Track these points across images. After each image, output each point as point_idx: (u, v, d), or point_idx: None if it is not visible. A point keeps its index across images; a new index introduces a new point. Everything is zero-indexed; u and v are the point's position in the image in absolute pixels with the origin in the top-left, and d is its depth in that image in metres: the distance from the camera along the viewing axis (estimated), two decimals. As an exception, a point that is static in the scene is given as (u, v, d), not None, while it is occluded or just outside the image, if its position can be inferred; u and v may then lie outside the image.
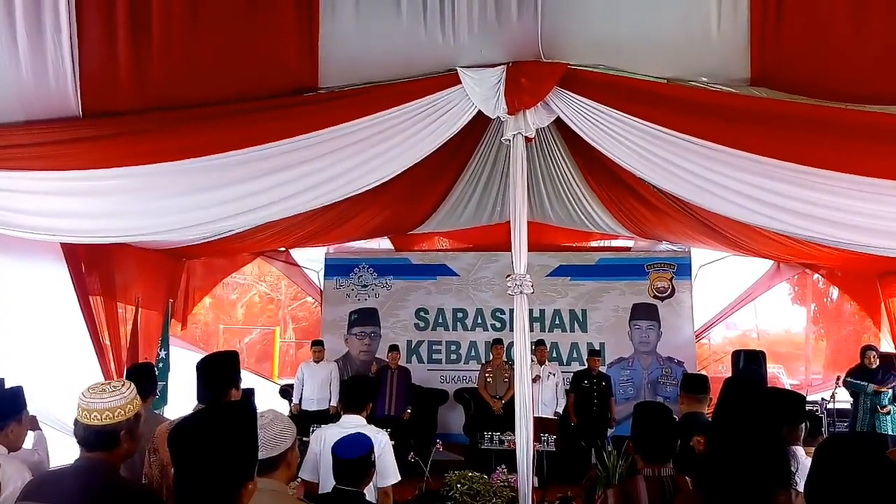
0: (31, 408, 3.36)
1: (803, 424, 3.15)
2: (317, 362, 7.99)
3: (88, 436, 2.02)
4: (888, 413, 6.48)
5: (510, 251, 4.15)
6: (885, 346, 7.54)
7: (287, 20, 3.64)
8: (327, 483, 2.92)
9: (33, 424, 3.45)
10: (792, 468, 2.71)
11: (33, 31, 3.47)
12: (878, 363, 6.63)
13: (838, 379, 7.06)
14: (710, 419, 3.58)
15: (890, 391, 6.57)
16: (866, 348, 6.81)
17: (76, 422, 2.04)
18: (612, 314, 9.09)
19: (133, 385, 2.15)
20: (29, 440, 3.42)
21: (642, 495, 2.41)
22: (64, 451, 2.66)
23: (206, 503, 1.61)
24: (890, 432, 6.47)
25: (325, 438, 3.22)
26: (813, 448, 1.72)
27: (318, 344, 8.19)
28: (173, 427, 1.74)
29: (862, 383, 6.69)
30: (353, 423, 3.29)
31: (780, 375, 11.50)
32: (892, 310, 7.33)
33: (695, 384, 3.70)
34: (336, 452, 2.59)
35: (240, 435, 1.68)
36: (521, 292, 4.03)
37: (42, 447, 3.48)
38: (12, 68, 3.53)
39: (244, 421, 1.73)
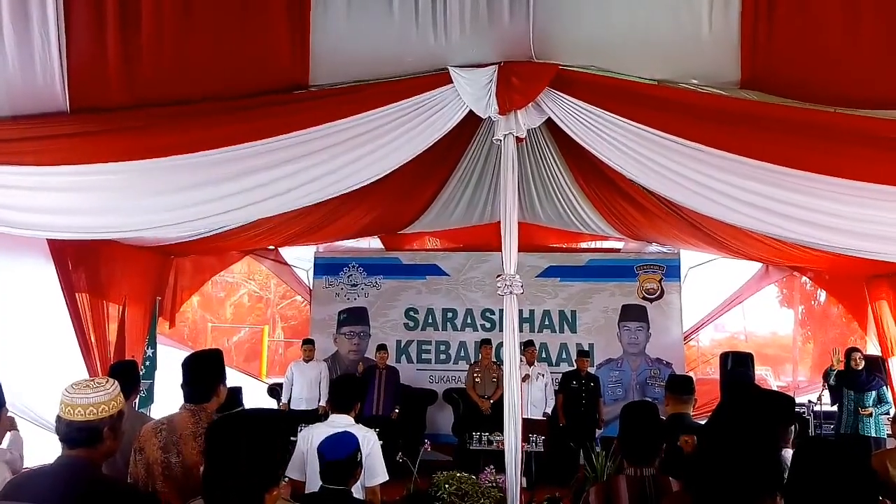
0: (17, 406, 3.32)
1: (792, 427, 3.17)
2: (306, 361, 7.96)
3: (70, 432, 2.00)
4: (870, 415, 6.52)
5: (500, 251, 4.15)
6: (872, 348, 7.60)
7: (278, 17, 3.62)
8: (314, 482, 2.90)
9: (11, 425, 3.41)
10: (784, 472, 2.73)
11: (20, 25, 3.43)
12: (863, 364, 6.68)
13: (825, 376, 7.05)
14: (695, 420, 3.60)
15: (874, 393, 6.61)
16: (852, 350, 6.86)
17: (58, 418, 2.02)
18: (601, 315, 9.11)
19: (117, 382, 2.13)
20: (4, 440, 3.38)
21: (622, 494, 2.45)
22: (49, 450, 2.63)
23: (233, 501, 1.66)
24: (872, 434, 6.51)
25: (312, 438, 3.21)
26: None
27: (308, 343, 8.16)
28: (214, 423, 1.81)
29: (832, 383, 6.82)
30: (341, 423, 3.27)
31: (767, 377, 11.58)
32: (878, 313, 7.38)
33: (680, 385, 3.70)
34: (322, 452, 2.57)
35: (275, 441, 1.77)
36: (510, 293, 4.03)
37: (17, 447, 3.43)
38: (-2, 62, 3.49)
39: (279, 428, 1.83)
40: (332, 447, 2.57)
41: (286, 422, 1.91)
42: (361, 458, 2.70)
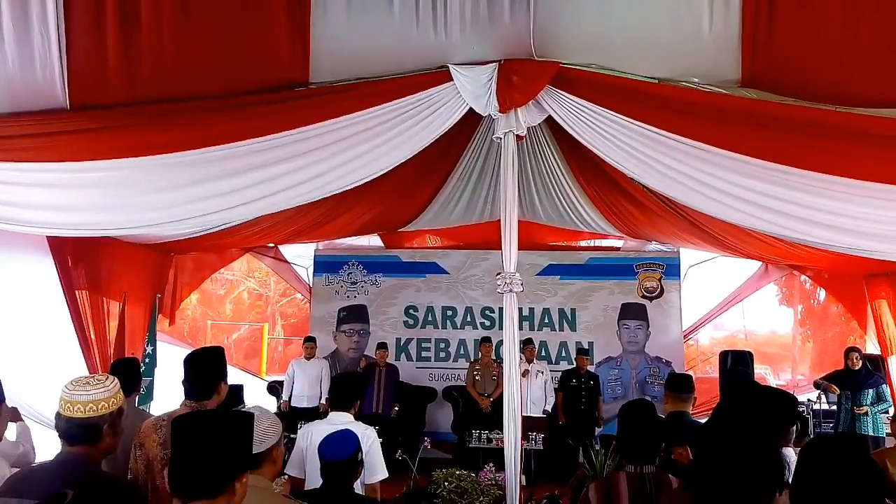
0: (17, 402, 3.32)
1: (794, 426, 3.17)
2: (308, 359, 7.96)
3: (70, 428, 2.00)
4: (865, 413, 6.52)
5: (500, 249, 4.15)
6: (871, 348, 7.60)
7: (278, 14, 3.62)
8: (314, 479, 2.90)
9: (14, 416, 3.41)
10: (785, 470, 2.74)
11: (20, 22, 3.43)
12: (860, 364, 6.68)
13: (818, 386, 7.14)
14: (694, 418, 3.60)
15: (871, 391, 6.61)
16: (850, 350, 6.86)
17: (58, 414, 2.03)
18: (600, 313, 9.12)
19: (117, 379, 2.13)
20: (12, 432, 3.37)
21: (623, 491, 2.45)
22: (49, 447, 2.64)
23: (203, 491, 1.67)
24: (870, 433, 6.50)
25: (311, 435, 3.21)
26: (801, 449, 1.73)
27: (309, 340, 8.16)
28: (178, 416, 1.80)
29: (823, 383, 6.82)
30: (340, 421, 3.27)
31: (767, 376, 11.58)
32: (877, 312, 7.37)
33: (679, 383, 3.71)
34: (323, 455, 2.55)
35: (239, 429, 1.79)
36: (510, 290, 4.03)
37: (26, 438, 3.44)
38: (-2, 59, 3.49)
39: (244, 418, 1.86)
40: (332, 448, 2.55)
41: (250, 418, 1.92)
42: (362, 456, 2.69)
